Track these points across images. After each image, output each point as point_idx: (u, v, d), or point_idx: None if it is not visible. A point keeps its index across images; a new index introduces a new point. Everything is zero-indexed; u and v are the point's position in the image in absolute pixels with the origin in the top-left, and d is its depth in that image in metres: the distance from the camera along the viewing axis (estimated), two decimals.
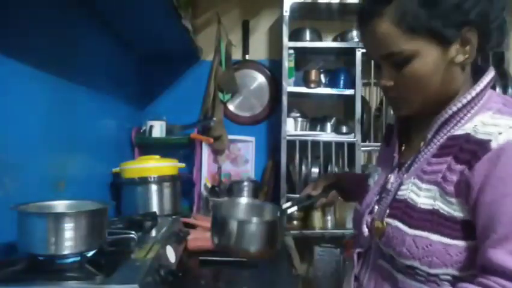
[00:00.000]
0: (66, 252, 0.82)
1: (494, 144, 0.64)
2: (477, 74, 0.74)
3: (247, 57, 2.22)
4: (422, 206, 0.71)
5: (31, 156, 1.06)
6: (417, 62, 0.70)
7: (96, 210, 0.89)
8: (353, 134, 1.98)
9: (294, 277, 1.23)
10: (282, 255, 1.40)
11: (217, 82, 2.12)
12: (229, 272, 1.19)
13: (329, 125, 2.06)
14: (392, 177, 0.81)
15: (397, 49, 0.71)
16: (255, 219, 1.00)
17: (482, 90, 0.72)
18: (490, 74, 0.73)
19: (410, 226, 0.71)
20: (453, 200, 0.68)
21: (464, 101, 0.71)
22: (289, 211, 1.04)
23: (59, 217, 0.83)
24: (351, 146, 1.98)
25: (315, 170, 1.99)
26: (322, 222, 1.99)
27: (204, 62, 2.20)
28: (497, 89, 1.80)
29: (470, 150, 0.67)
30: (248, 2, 2.23)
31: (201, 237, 1.45)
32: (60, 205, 0.96)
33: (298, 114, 2.09)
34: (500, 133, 0.65)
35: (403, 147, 0.85)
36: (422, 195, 0.72)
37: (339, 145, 2.00)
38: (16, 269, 0.82)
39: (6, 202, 0.88)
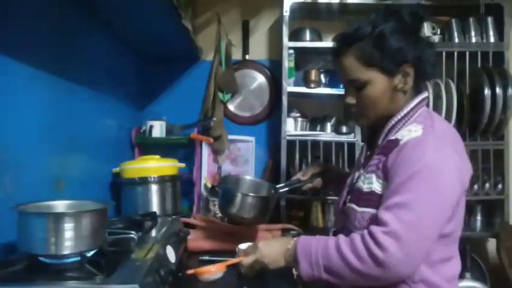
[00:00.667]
0: (66, 252, 0.82)
1: (401, 142, 0.95)
2: (417, 96, 1.03)
3: (247, 57, 2.22)
4: (365, 190, 1.00)
5: (31, 156, 1.06)
6: (370, 87, 1.00)
7: (96, 210, 0.89)
8: (353, 134, 1.98)
9: (294, 277, 1.22)
10: None
11: (217, 82, 2.12)
12: (229, 272, 1.19)
13: (329, 125, 2.06)
14: (356, 174, 1.10)
15: (356, 77, 1.01)
16: (253, 194, 1.33)
17: (413, 109, 1.01)
18: (421, 97, 1.03)
19: (359, 205, 1.00)
20: (382, 181, 0.97)
21: (400, 115, 1.01)
22: (281, 190, 1.38)
23: (59, 217, 0.83)
24: (351, 146, 1.98)
25: None
26: (322, 222, 1.99)
27: (204, 62, 2.20)
28: (497, 89, 1.81)
29: (390, 147, 0.97)
30: (248, 2, 2.23)
31: (201, 237, 1.45)
32: (60, 205, 0.96)
33: (298, 114, 2.09)
34: (408, 135, 0.95)
35: (368, 153, 1.14)
36: (365, 182, 1.01)
37: (339, 145, 2.00)
38: (16, 269, 0.82)
39: (6, 202, 0.88)
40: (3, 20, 0.94)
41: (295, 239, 1.03)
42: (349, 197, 1.06)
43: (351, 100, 1.05)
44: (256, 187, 1.44)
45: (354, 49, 1.00)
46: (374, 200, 0.97)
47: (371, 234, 0.88)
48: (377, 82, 1.00)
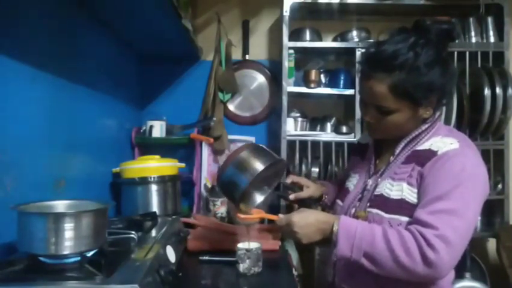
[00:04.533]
0: (66, 252, 0.82)
1: (439, 152, 0.99)
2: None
3: (247, 57, 2.22)
4: (394, 197, 1.02)
5: (31, 156, 1.06)
6: (396, 115, 1.02)
7: (96, 210, 0.89)
8: (353, 134, 1.98)
9: (294, 277, 1.23)
10: (282, 255, 1.40)
11: (217, 82, 2.12)
12: (229, 272, 1.19)
13: (329, 125, 2.06)
14: (370, 181, 1.12)
15: (385, 104, 1.01)
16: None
17: (433, 123, 1.07)
18: (437, 114, 1.08)
19: (387, 212, 1.01)
20: (414, 190, 1.00)
21: (422, 129, 1.06)
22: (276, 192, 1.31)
23: (59, 217, 0.83)
24: (351, 146, 1.98)
25: (315, 170, 1.99)
26: None
27: (204, 62, 2.20)
28: (497, 89, 1.81)
29: (426, 156, 1.00)
30: (248, 2, 2.23)
31: (201, 237, 1.45)
32: (60, 205, 0.96)
33: (298, 114, 2.08)
34: (444, 147, 0.99)
35: (377, 161, 1.16)
36: (393, 190, 1.03)
37: (339, 145, 2.00)
38: (16, 269, 0.82)
39: (6, 202, 0.88)
40: (3, 20, 0.94)
41: (335, 217, 1.03)
42: (367, 203, 1.07)
43: (371, 119, 1.07)
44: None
45: (389, 77, 0.98)
46: (405, 207, 0.99)
47: (422, 235, 0.90)
48: (404, 111, 1.02)
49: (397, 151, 1.08)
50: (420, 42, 0.99)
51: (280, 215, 1.11)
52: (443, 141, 1.01)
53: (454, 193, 0.93)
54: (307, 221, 1.03)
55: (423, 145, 1.04)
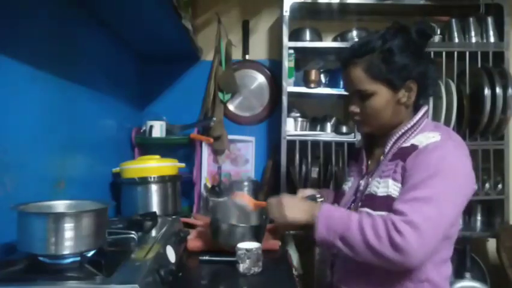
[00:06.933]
0: (66, 252, 0.82)
1: (420, 146, 1.02)
2: (417, 110, 1.10)
3: (247, 57, 2.22)
4: (380, 194, 1.04)
5: (31, 156, 1.06)
6: (375, 98, 1.06)
7: (96, 210, 0.89)
8: (353, 134, 1.98)
9: (294, 277, 1.22)
10: (282, 255, 1.40)
11: (217, 82, 2.12)
12: (229, 272, 1.19)
13: (329, 125, 2.06)
14: (362, 182, 1.15)
15: (362, 88, 1.06)
16: (242, 224, 1.31)
17: (418, 121, 1.08)
18: (423, 110, 1.10)
19: (375, 209, 1.03)
20: (399, 184, 1.02)
21: (408, 126, 1.08)
22: None
23: (59, 217, 0.83)
24: (351, 146, 1.98)
25: (315, 170, 1.99)
26: None
27: (204, 62, 2.20)
28: (497, 89, 1.81)
29: (409, 151, 1.03)
30: (248, 2, 2.23)
31: (201, 237, 1.45)
32: (60, 205, 0.96)
33: (298, 114, 2.09)
34: (426, 141, 1.01)
35: (369, 162, 1.19)
36: (380, 187, 1.05)
37: (339, 145, 2.00)
38: (16, 269, 0.82)
39: (6, 202, 0.88)
40: (3, 20, 0.94)
41: (319, 204, 1.09)
42: (359, 203, 1.10)
43: (355, 109, 1.10)
44: (246, 214, 1.40)
45: (363, 61, 1.05)
46: (390, 203, 1.00)
47: (392, 221, 0.93)
48: (382, 94, 1.05)
49: (386, 150, 1.10)
50: (390, 31, 1.06)
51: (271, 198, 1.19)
52: (427, 136, 1.03)
53: (430, 182, 0.95)
54: (295, 202, 1.13)
55: (408, 142, 1.06)
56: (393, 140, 1.09)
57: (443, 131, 1.06)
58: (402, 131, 1.08)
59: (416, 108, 1.12)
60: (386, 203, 1.01)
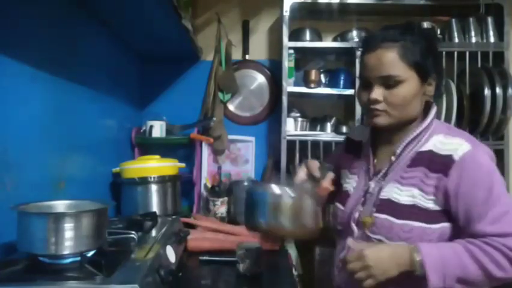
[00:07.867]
0: (66, 252, 0.82)
1: (456, 157, 0.95)
2: (425, 109, 1.06)
3: (247, 57, 2.22)
4: (404, 203, 0.98)
5: (31, 156, 1.06)
6: (404, 87, 0.98)
7: (96, 210, 0.89)
8: None
9: (294, 277, 1.23)
10: (282, 255, 1.40)
11: (217, 82, 2.12)
12: (229, 272, 1.19)
13: (329, 125, 2.06)
14: (372, 184, 1.07)
15: (395, 73, 0.97)
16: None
17: (431, 120, 1.04)
18: (434, 109, 1.06)
19: (397, 218, 0.98)
20: (430, 197, 0.97)
21: (423, 126, 1.03)
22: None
23: (59, 217, 0.83)
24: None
25: None
26: (322, 222, 1.98)
27: (204, 62, 2.20)
28: (497, 89, 1.81)
29: (440, 162, 0.97)
30: (248, 2, 2.23)
31: (201, 237, 1.45)
32: (60, 205, 0.96)
33: (298, 114, 2.08)
34: (456, 149, 0.96)
35: (375, 160, 1.10)
36: (403, 195, 0.99)
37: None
38: (16, 269, 0.82)
39: (6, 202, 0.88)
40: (3, 20, 0.94)
41: (409, 247, 0.94)
42: (373, 208, 1.02)
43: (379, 96, 0.99)
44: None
45: (399, 45, 0.98)
46: (417, 213, 0.97)
47: (505, 245, 0.91)
48: (412, 83, 0.99)
49: (398, 151, 1.03)
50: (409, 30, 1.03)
51: (350, 242, 1.02)
52: (451, 142, 0.98)
53: (494, 195, 0.94)
54: (380, 255, 0.94)
55: (425, 146, 1.01)
56: (407, 141, 1.03)
57: (464, 136, 1.01)
58: (417, 132, 1.02)
59: (425, 108, 1.07)
60: (410, 212, 0.97)
